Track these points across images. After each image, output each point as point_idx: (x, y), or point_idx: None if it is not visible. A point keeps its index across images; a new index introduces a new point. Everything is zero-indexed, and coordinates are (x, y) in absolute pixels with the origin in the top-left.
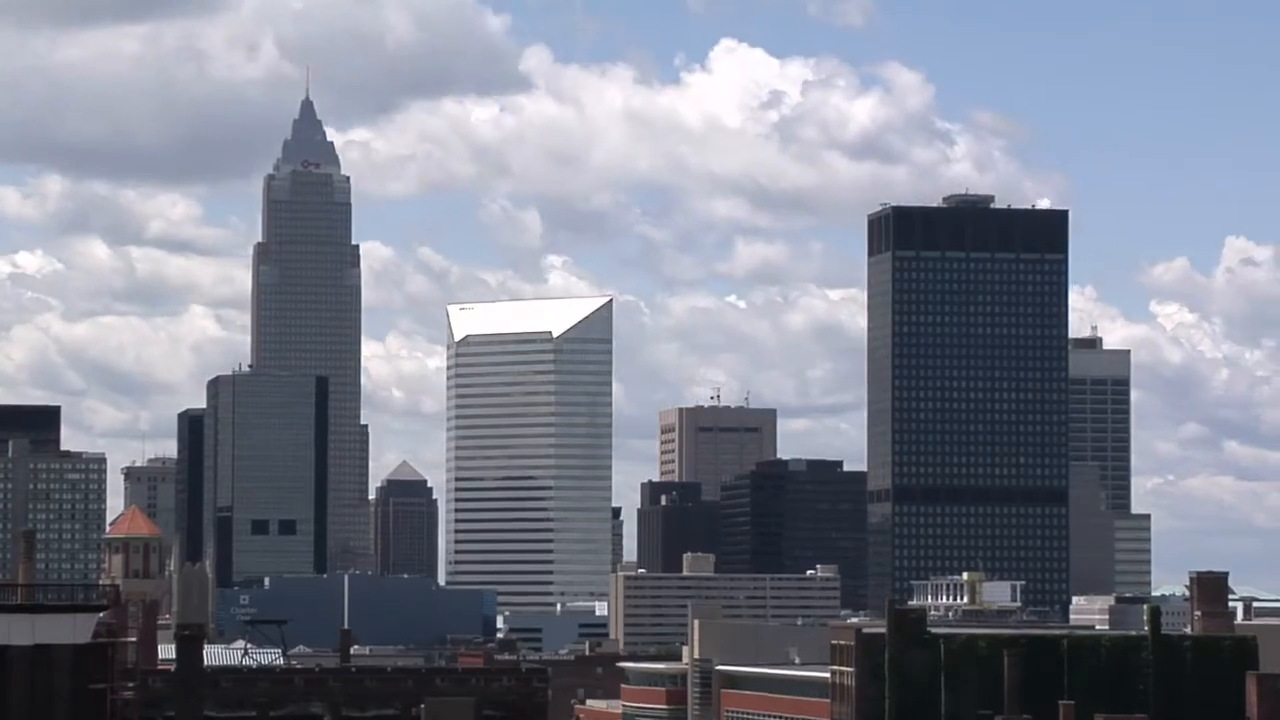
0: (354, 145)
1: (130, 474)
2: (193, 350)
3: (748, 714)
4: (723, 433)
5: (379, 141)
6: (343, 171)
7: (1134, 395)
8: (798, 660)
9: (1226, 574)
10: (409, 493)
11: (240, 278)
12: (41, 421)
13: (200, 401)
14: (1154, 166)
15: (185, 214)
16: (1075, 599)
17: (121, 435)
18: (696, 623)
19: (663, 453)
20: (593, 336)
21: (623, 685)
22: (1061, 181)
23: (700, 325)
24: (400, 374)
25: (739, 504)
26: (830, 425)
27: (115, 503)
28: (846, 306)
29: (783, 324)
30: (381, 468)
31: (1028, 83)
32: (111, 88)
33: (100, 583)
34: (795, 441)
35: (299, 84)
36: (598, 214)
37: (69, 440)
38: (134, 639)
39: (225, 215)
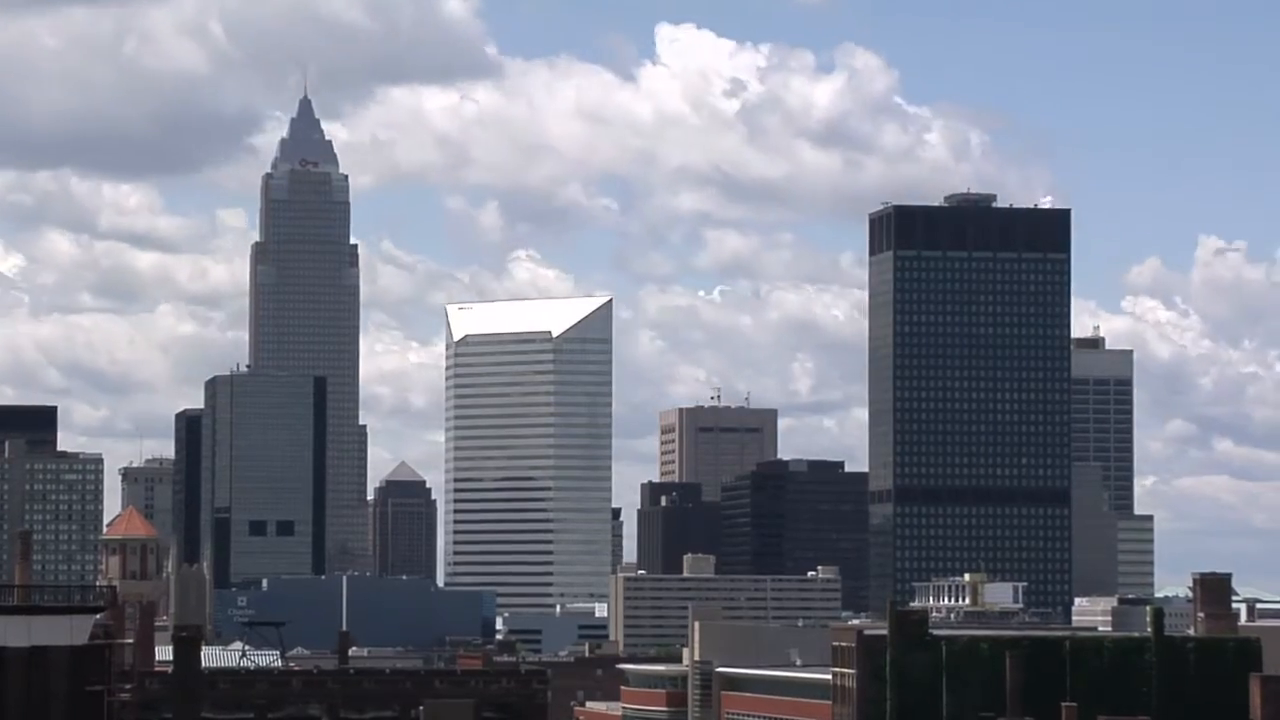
0: None
1: (127, 475)
2: (164, 348)
3: (748, 716)
4: (723, 433)
5: (340, 132)
6: (341, 170)
7: (1136, 395)
8: (799, 662)
9: (1230, 575)
10: (407, 493)
11: (214, 271)
12: (38, 422)
13: (178, 397)
14: (1130, 161)
15: (145, 206)
16: (1078, 600)
17: (98, 434)
18: (697, 624)
19: (663, 453)
20: (592, 336)
21: (623, 687)
22: (1039, 173)
23: (676, 321)
24: (380, 370)
25: (739, 505)
26: (812, 423)
27: (112, 503)
28: (820, 298)
29: (759, 319)
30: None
31: (997, 70)
32: (52, 74)
33: (97, 584)
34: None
35: (243, 69)
36: (561, 208)
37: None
38: (131, 640)
39: (186, 208)
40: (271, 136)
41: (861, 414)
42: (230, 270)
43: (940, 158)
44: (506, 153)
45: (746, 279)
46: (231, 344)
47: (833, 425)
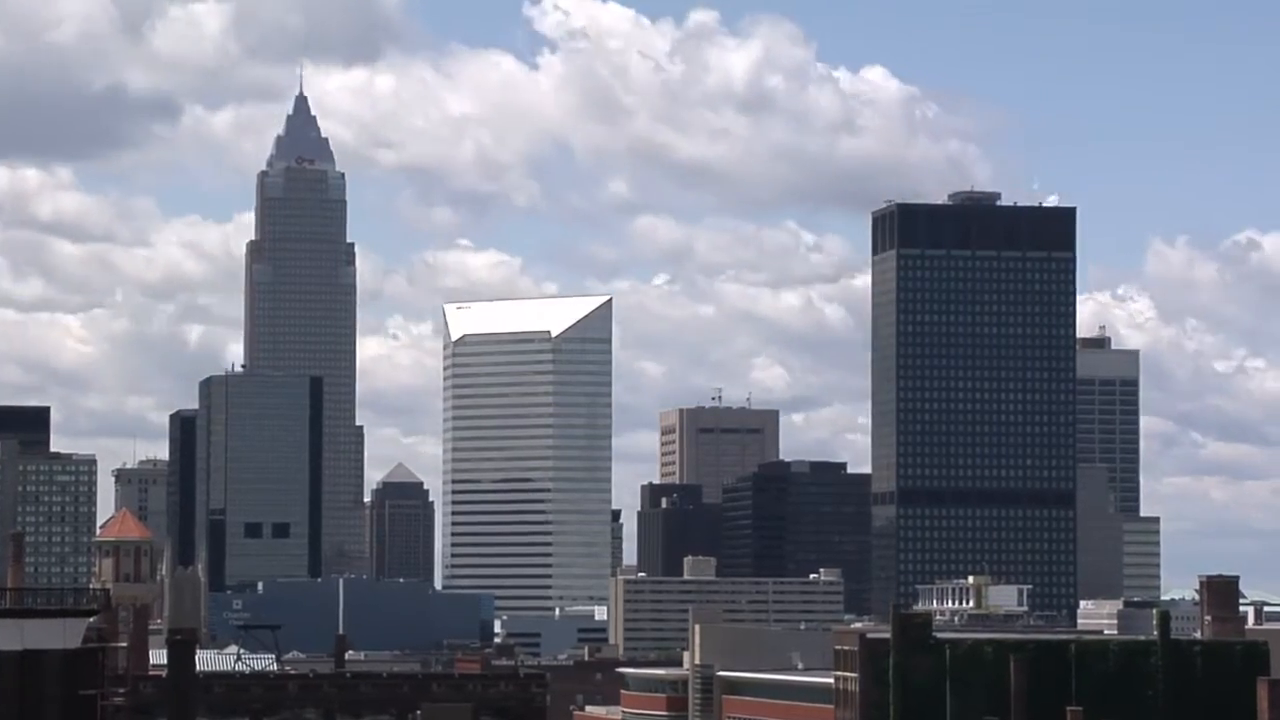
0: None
1: (121, 476)
2: (112, 342)
3: None
4: (724, 434)
5: (257, 116)
6: (337, 168)
7: (1142, 395)
8: (800, 665)
9: (1237, 578)
10: (405, 495)
11: (161, 259)
12: (31, 423)
13: (131, 392)
14: (1100, 153)
15: (61, 189)
16: (1083, 603)
17: (58, 433)
18: (697, 627)
19: (663, 454)
20: (591, 336)
21: (622, 691)
22: (1001, 153)
23: (632, 317)
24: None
25: (741, 506)
26: (787, 421)
27: (105, 505)
28: (773, 286)
29: (711, 310)
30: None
31: (924, 42)
32: None
33: (90, 587)
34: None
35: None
36: (485, 195)
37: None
38: (125, 644)
39: (110, 193)
40: (189, 118)
41: (841, 407)
42: (169, 261)
43: (880, 126)
44: (424, 137)
45: (688, 266)
46: (174, 337)
47: (800, 419)
